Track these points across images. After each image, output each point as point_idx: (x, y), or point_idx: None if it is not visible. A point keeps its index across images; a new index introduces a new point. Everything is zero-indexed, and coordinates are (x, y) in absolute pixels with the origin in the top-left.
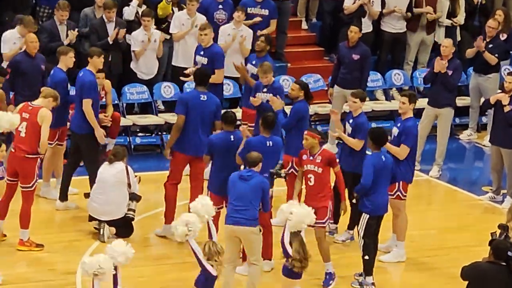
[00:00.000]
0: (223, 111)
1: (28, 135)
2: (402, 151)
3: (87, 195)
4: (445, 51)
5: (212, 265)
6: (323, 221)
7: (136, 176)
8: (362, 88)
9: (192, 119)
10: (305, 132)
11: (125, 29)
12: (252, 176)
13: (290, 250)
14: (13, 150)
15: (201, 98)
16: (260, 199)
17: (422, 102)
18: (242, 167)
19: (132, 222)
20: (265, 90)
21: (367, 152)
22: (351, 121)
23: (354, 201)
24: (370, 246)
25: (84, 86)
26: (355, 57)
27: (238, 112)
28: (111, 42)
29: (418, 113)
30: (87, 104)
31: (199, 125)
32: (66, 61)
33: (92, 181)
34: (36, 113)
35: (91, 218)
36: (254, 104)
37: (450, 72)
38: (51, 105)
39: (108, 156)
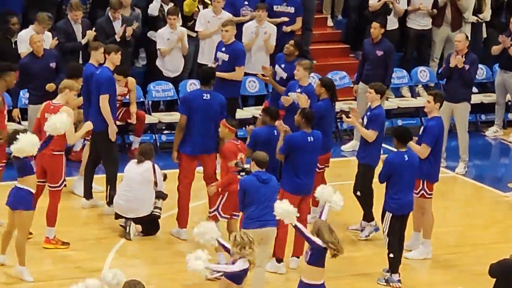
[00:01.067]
0: (266, 106)
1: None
2: (422, 150)
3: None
4: (459, 45)
5: (243, 257)
6: (211, 210)
7: (162, 171)
8: (386, 84)
9: (196, 119)
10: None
11: (131, 26)
12: (270, 178)
13: (317, 240)
14: None
15: (204, 97)
16: None
17: None
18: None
19: (158, 220)
20: (299, 90)
21: (383, 146)
22: (368, 113)
23: (358, 193)
24: (394, 244)
25: (102, 82)
26: (379, 53)
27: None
28: (118, 40)
29: None
30: (104, 99)
31: (204, 124)
32: (97, 56)
33: (109, 178)
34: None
35: (117, 216)
36: (285, 103)
37: (467, 67)
38: (70, 95)
39: (133, 154)
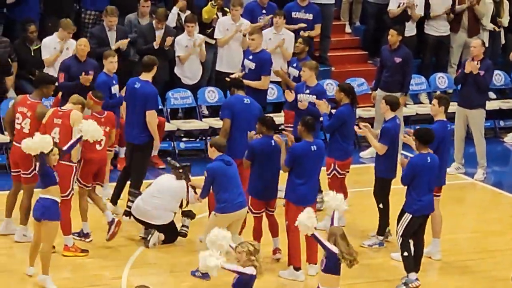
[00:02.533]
0: (261, 116)
1: (62, 140)
2: None
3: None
4: (474, 51)
5: (252, 266)
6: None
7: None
8: (404, 91)
9: (238, 123)
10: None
11: (173, 38)
12: (231, 160)
13: (332, 247)
14: None
15: (245, 102)
16: None
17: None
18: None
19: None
20: (307, 91)
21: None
22: (383, 125)
23: (381, 206)
24: (407, 244)
25: (149, 98)
26: (397, 60)
27: (281, 117)
28: (156, 47)
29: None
30: (152, 115)
31: (246, 128)
32: (107, 65)
33: (133, 187)
34: (68, 117)
35: (138, 220)
36: (288, 99)
37: (482, 73)
38: (81, 111)
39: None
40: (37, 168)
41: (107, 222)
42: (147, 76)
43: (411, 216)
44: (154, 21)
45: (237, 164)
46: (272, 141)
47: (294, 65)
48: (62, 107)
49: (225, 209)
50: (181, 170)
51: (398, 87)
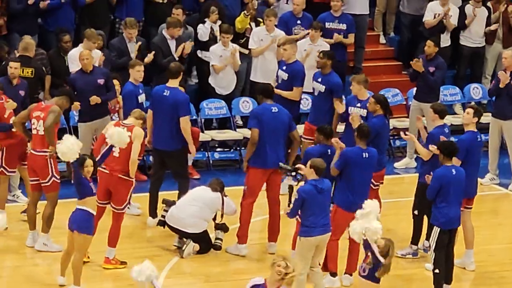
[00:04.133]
0: (320, 125)
1: (122, 154)
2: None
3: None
4: (505, 62)
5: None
6: None
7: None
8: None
9: (267, 132)
10: None
11: (191, 42)
12: (326, 187)
13: (381, 259)
14: (104, 170)
15: (273, 110)
16: None
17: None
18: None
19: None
20: (358, 105)
21: None
22: (430, 130)
23: (416, 212)
24: (441, 260)
25: (181, 104)
26: (431, 69)
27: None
28: (177, 58)
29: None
30: (186, 121)
31: (274, 137)
32: (134, 74)
33: (181, 195)
34: (131, 132)
35: (171, 228)
36: (354, 125)
37: None
38: (141, 126)
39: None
40: (72, 178)
41: None
42: (174, 83)
43: (439, 229)
44: (163, 31)
45: (269, 173)
46: (329, 150)
47: (319, 80)
48: (124, 121)
49: (308, 233)
50: (294, 173)
51: (433, 97)
